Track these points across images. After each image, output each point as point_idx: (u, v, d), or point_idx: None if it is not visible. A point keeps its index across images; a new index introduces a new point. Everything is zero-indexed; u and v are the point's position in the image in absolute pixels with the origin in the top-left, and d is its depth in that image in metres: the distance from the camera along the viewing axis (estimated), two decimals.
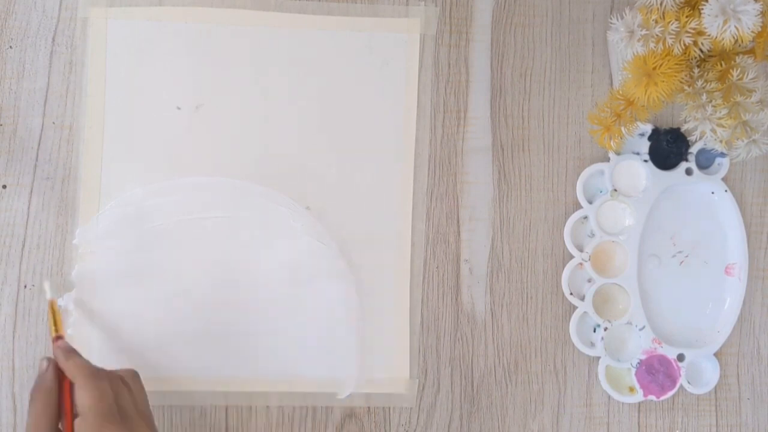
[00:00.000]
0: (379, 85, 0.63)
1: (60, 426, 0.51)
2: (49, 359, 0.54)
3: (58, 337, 0.55)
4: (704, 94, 0.55)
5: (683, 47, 0.52)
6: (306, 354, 0.61)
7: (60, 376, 0.53)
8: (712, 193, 0.65)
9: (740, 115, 0.54)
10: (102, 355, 0.59)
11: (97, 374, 0.52)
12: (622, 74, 0.58)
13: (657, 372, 0.64)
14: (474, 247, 0.64)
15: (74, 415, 0.51)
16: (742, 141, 0.56)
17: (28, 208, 0.60)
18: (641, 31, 0.53)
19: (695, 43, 0.52)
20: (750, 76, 0.54)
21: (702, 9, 0.50)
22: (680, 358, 0.64)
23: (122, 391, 0.52)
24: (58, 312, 0.57)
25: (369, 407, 0.62)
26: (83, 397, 0.51)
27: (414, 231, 0.63)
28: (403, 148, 0.63)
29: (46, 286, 0.58)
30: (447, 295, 0.63)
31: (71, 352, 0.54)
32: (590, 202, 0.64)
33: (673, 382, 0.64)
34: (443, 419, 0.63)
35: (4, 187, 0.60)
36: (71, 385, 0.52)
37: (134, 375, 0.55)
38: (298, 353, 0.61)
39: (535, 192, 0.64)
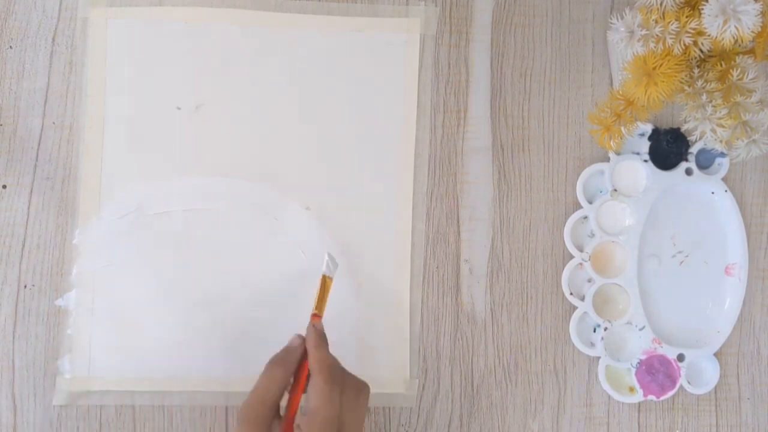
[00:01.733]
0: (379, 85, 0.63)
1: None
2: (302, 337, 0.54)
3: (316, 316, 0.55)
4: (704, 94, 0.55)
5: (683, 47, 0.52)
6: None
7: (303, 354, 0.53)
8: (712, 193, 0.65)
9: (740, 115, 0.54)
10: (102, 355, 0.59)
11: (333, 380, 0.52)
12: (622, 74, 0.58)
13: (657, 372, 0.64)
14: (474, 247, 0.64)
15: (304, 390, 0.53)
16: (742, 141, 0.56)
17: (28, 208, 0.60)
18: (641, 31, 0.52)
19: (695, 43, 0.52)
20: (750, 76, 0.54)
21: (702, 9, 0.50)
22: (680, 358, 0.64)
23: (349, 402, 0.52)
24: (328, 290, 0.56)
25: (369, 407, 0.62)
26: (314, 398, 0.51)
27: (414, 231, 0.63)
28: (403, 148, 0.63)
29: (327, 257, 0.57)
30: (447, 295, 0.63)
31: (321, 342, 0.54)
32: (590, 202, 0.64)
33: (673, 382, 0.64)
34: (443, 419, 0.63)
35: (4, 187, 0.60)
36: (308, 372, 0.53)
37: (366, 389, 0.54)
38: None
39: (535, 192, 0.64)
